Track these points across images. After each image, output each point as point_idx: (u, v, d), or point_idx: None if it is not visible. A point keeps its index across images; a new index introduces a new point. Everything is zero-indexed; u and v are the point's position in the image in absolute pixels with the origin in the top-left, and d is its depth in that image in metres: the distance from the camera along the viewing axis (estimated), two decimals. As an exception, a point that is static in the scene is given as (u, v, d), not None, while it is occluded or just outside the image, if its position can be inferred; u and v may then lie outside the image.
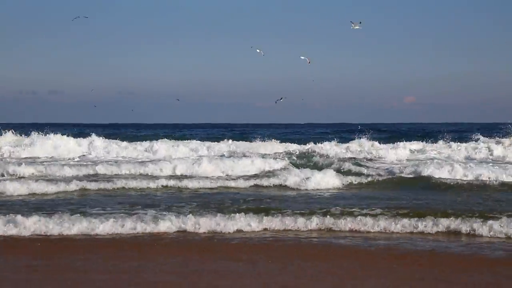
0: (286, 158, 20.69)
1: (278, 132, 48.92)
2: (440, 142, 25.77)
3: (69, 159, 21.69)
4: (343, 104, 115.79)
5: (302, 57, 19.25)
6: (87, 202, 12.87)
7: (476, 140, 25.70)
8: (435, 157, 22.03)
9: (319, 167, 18.86)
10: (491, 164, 19.86)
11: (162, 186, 15.87)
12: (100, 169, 18.13)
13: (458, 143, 25.32)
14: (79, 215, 10.72)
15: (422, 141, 26.38)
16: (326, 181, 16.12)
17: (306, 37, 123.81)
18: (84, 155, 22.88)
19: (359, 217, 10.57)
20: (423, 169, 17.67)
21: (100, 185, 15.52)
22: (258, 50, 19.57)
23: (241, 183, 16.43)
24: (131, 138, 28.05)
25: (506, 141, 25.03)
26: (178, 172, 18.08)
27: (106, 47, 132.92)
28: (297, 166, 19.16)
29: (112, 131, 44.87)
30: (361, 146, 24.82)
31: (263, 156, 21.08)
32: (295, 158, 21.56)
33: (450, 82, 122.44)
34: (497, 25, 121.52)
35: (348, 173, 18.10)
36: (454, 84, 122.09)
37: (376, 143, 25.31)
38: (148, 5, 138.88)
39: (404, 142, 25.81)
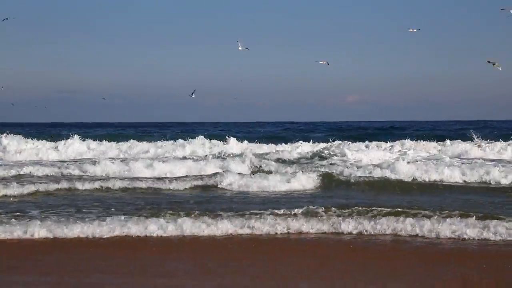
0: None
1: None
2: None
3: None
4: (286, 102, 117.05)
5: (321, 62, 18.90)
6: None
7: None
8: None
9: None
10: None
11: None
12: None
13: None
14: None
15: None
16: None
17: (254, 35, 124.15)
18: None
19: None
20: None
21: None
22: (240, 48, 18.84)
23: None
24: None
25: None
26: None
27: (50, 46, 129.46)
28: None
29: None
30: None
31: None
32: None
33: (395, 82, 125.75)
34: (444, 29, 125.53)
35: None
36: (399, 85, 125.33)
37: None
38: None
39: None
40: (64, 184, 15.17)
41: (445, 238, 9.64)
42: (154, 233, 9.96)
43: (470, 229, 9.78)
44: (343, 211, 11.09)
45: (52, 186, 14.97)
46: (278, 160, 20.58)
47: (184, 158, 21.11)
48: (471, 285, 7.31)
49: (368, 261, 8.38)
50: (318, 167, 18.40)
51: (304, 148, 25.68)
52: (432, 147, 25.58)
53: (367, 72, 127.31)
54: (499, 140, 24.29)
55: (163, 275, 7.71)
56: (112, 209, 11.89)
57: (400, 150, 22.58)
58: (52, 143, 25.40)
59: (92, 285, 7.33)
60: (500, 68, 15.56)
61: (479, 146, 23.79)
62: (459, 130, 41.47)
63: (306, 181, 15.89)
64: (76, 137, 25.56)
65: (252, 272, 7.86)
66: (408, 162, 18.47)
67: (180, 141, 26.81)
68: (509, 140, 24.25)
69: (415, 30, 16.48)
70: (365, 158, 20.91)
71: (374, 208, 11.17)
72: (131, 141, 26.66)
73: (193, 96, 21.84)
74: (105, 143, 26.17)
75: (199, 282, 7.45)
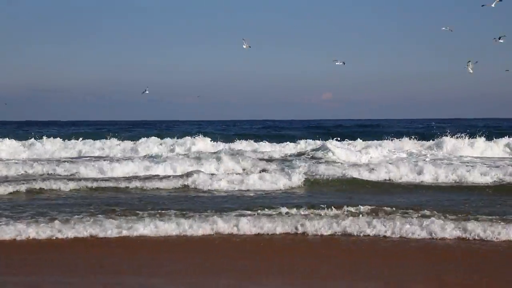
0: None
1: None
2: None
3: None
4: (260, 101, 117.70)
5: (337, 63, 18.92)
6: None
7: None
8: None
9: None
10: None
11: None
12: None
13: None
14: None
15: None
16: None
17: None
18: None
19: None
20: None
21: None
22: (244, 46, 18.75)
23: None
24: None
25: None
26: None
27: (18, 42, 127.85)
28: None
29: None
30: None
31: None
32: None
33: (366, 80, 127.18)
34: (413, 28, 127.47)
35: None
36: (369, 82, 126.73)
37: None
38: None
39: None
40: (27, 185, 14.86)
41: (420, 238, 9.80)
42: (138, 233, 9.99)
43: (444, 228, 9.94)
44: (320, 210, 11.23)
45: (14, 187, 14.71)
46: (255, 159, 20.36)
47: (145, 157, 21.00)
48: (446, 283, 7.49)
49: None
50: (298, 166, 18.13)
51: (282, 147, 25.69)
52: (410, 145, 25.76)
53: (343, 70, 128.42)
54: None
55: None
56: (89, 208, 11.83)
57: (380, 149, 22.56)
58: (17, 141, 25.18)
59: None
60: (471, 69, 15.80)
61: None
62: (435, 128, 41.88)
63: (282, 180, 15.88)
64: (44, 137, 25.44)
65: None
66: (388, 162, 18.63)
67: (153, 138, 26.69)
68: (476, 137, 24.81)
69: (447, 28, 16.52)
70: (346, 157, 20.88)
71: (354, 207, 11.41)
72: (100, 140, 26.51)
73: (146, 92, 21.86)
74: (75, 141, 26.04)
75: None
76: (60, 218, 10.45)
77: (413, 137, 26.90)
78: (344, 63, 19.80)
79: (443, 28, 17.27)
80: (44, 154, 23.81)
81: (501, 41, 16.20)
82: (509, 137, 25.66)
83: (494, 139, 25.20)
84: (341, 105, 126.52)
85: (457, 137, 25.04)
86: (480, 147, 24.37)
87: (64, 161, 19.48)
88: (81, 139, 26.63)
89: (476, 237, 9.67)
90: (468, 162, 19.56)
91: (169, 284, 7.50)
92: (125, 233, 9.89)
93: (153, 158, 19.72)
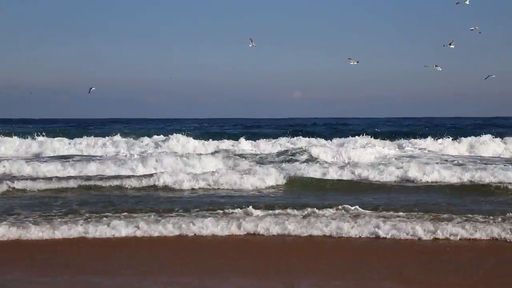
0: None
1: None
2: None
3: None
4: (229, 99, 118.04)
5: (352, 63, 18.94)
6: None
7: None
8: None
9: None
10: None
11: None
12: None
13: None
14: None
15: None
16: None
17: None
18: None
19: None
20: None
21: None
22: (250, 45, 18.66)
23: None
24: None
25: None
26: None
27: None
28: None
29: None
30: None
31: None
32: None
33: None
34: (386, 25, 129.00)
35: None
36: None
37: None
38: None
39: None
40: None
41: (395, 237, 9.89)
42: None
43: (415, 228, 10.05)
44: (295, 211, 11.30)
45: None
46: (232, 158, 20.15)
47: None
48: (407, 279, 7.69)
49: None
50: (273, 166, 18.10)
51: (259, 145, 25.51)
52: (384, 143, 25.91)
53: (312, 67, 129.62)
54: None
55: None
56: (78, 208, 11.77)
57: (357, 149, 22.56)
58: None
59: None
60: (439, 68, 16.06)
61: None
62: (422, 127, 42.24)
63: (260, 180, 15.80)
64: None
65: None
66: (365, 162, 18.76)
67: (118, 137, 26.44)
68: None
69: (477, 28, 16.69)
70: (324, 156, 20.87)
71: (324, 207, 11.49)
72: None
73: (93, 89, 21.85)
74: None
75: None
76: (34, 219, 10.49)
77: (393, 136, 27.16)
78: (357, 62, 19.91)
79: (471, 29, 17.39)
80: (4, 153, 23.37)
81: (451, 46, 16.55)
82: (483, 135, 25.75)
83: (460, 138, 25.15)
84: (311, 102, 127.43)
85: (435, 137, 25.32)
86: (447, 146, 24.60)
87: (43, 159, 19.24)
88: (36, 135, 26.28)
89: (449, 236, 9.77)
90: (432, 159, 19.96)
91: (145, 283, 7.51)
92: (90, 233, 9.87)
93: (122, 157, 19.54)
